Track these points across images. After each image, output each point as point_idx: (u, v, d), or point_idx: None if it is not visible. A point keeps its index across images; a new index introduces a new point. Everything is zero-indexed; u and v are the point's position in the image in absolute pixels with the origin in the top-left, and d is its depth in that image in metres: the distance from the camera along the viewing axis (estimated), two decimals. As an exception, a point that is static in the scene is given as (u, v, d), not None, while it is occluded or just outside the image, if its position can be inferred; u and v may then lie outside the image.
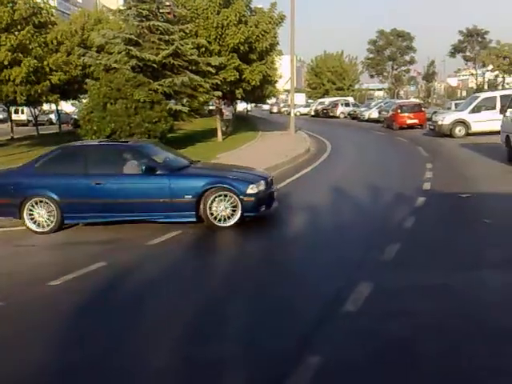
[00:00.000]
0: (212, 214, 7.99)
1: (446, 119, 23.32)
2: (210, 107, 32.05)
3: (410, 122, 28.22)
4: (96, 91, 17.70)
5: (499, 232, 7.23)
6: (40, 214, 8.26)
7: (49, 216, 8.25)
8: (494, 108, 20.79)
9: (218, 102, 24.79)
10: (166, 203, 8.08)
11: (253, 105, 60.53)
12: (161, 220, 8.23)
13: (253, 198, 8.07)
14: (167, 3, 21.05)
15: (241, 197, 7.99)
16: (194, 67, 20.05)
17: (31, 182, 8.37)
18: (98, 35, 20.70)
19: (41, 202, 8.23)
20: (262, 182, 8.38)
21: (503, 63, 64.98)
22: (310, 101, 66.73)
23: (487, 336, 4.13)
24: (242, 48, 22.57)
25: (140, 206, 8.21)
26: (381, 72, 75.61)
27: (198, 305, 5.11)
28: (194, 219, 8.05)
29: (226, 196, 8.01)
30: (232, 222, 8.00)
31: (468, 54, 68.18)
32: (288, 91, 37.53)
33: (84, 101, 23.47)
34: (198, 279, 5.96)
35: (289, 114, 29.03)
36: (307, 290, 5.38)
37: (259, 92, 26.74)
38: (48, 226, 8.27)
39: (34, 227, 8.27)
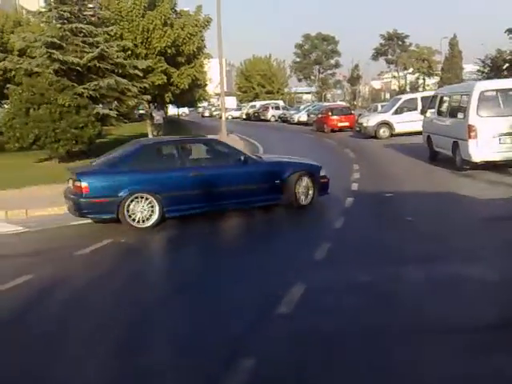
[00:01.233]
0: (296, 195, 9.08)
1: (370, 121, 24.17)
2: (141, 111, 31.53)
3: (341, 124, 28.93)
4: (18, 96, 16.99)
5: (421, 229, 7.58)
6: (140, 210, 8.15)
7: (148, 211, 8.17)
8: (415, 109, 21.71)
9: (147, 106, 24.46)
10: (259, 188, 8.96)
11: (186, 109, 59.98)
12: (250, 205, 8.88)
13: (326, 180, 9.60)
14: (90, 5, 20.54)
15: (318, 179, 9.37)
16: (120, 70, 19.68)
17: (129, 179, 8.28)
18: (19, 38, 19.89)
19: (141, 197, 8.15)
20: None
21: (422, 66, 68.39)
22: (243, 104, 67.12)
23: (410, 332, 4.27)
24: (169, 51, 22.45)
25: (237, 193, 8.76)
26: (308, 75, 77.41)
27: (129, 314, 5.00)
28: (281, 200, 9.07)
29: (304, 179, 9.19)
30: (309, 200, 9.25)
31: (390, 56, 71.14)
32: (219, 95, 37.56)
33: (6, 106, 22.43)
34: (129, 288, 5.82)
35: (221, 117, 29.06)
36: (240, 293, 5.39)
37: (189, 96, 26.64)
38: (148, 220, 8.19)
39: (134, 224, 8.12)
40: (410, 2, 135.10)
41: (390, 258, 6.24)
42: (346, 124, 28.85)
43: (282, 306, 4.82)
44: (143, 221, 8.18)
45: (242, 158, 9.00)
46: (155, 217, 8.21)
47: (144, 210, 8.18)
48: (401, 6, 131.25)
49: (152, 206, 8.20)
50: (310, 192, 9.30)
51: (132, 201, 8.12)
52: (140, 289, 5.79)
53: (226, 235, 8.25)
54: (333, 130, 28.35)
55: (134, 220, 8.14)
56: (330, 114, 29.46)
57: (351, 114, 30.40)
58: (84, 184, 8.13)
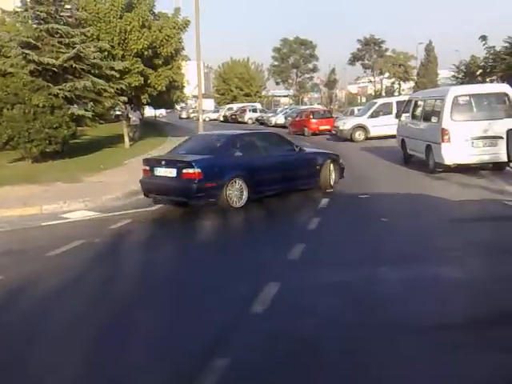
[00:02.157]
0: (329, 178, 10.90)
1: (346, 124, 24.41)
2: (117, 112, 31.26)
3: (322, 128, 28.98)
4: (-10, 96, 16.70)
5: (395, 229, 7.69)
6: (235, 194, 9.28)
7: (239, 194, 9.33)
8: (390, 113, 22.04)
9: (124, 107, 24.26)
10: (309, 173, 10.74)
11: (163, 110, 59.47)
12: (303, 187, 10.64)
13: (343, 166, 11.49)
14: (67, 6, 20.32)
15: (339, 165, 11.24)
16: (96, 71, 19.49)
17: (229, 165, 9.52)
18: (-8, 38, 19.56)
19: (236, 182, 9.31)
20: None
21: (398, 71, 69.25)
22: (221, 107, 66.91)
23: (385, 331, 4.29)
24: (146, 53, 22.30)
25: (295, 176, 10.44)
26: (286, 79, 77.66)
27: (101, 314, 4.94)
28: (317, 184, 10.82)
29: (331, 165, 10.96)
30: (332, 182, 11.00)
31: (366, 61, 71.78)
32: (196, 97, 37.46)
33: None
34: (102, 288, 5.74)
35: (198, 119, 29.00)
36: (215, 292, 5.38)
37: (166, 97, 26.47)
38: (239, 202, 9.31)
39: (232, 204, 9.23)
40: (388, 7, 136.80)
41: (366, 259, 6.28)
42: (327, 127, 28.90)
43: (257, 305, 4.81)
44: (235, 202, 9.30)
45: (297, 148, 10.89)
46: (244, 199, 9.40)
47: (237, 193, 9.31)
48: (378, 11, 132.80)
49: (242, 189, 9.36)
50: (333, 176, 11.00)
51: (229, 185, 9.23)
52: (112, 289, 5.72)
53: (198, 234, 8.23)
54: (314, 133, 28.45)
55: (231, 201, 9.24)
56: (311, 117, 29.49)
57: (331, 117, 30.53)
58: (198, 170, 9.04)
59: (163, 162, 9.68)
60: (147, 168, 9.87)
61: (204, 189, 9.08)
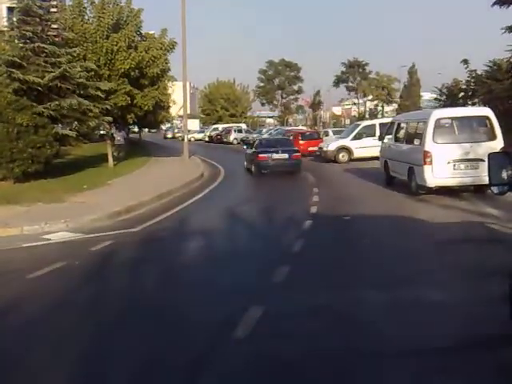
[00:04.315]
0: None
1: (330, 146, 24.62)
2: (102, 132, 31.21)
3: (310, 149, 29.04)
4: (-27, 115, 16.55)
5: (378, 252, 7.71)
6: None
7: None
8: (373, 135, 22.31)
9: (108, 127, 24.21)
10: None
11: (146, 130, 59.50)
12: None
13: None
14: (54, 26, 20.36)
15: None
16: (82, 91, 19.48)
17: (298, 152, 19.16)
18: (-24, 57, 19.44)
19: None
20: None
21: (382, 93, 70.25)
22: (205, 127, 67.25)
23: (370, 356, 4.26)
24: (132, 73, 22.37)
25: None
26: (271, 100, 78.46)
27: (79, 340, 4.83)
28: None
29: None
30: None
31: (350, 84, 72.76)
32: (182, 117, 37.54)
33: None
34: (81, 312, 5.63)
35: (183, 139, 29.05)
36: (198, 315, 5.31)
37: (152, 117, 26.49)
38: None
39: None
40: (372, 31, 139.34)
41: (349, 282, 6.26)
42: (315, 148, 28.95)
43: (240, 330, 4.76)
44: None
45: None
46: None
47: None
48: (362, 34, 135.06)
49: None
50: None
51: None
52: (91, 312, 5.61)
53: (182, 255, 8.18)
54: (302, 155, 28.49)
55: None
56: (299, 138, 29.58)
57: (319, 138, 30.65)
58: (299, 154, 18.87)
59: (280, 151, 18.07)
60: (266, 155, 17.93)
61: (300, 163, 18.46)
